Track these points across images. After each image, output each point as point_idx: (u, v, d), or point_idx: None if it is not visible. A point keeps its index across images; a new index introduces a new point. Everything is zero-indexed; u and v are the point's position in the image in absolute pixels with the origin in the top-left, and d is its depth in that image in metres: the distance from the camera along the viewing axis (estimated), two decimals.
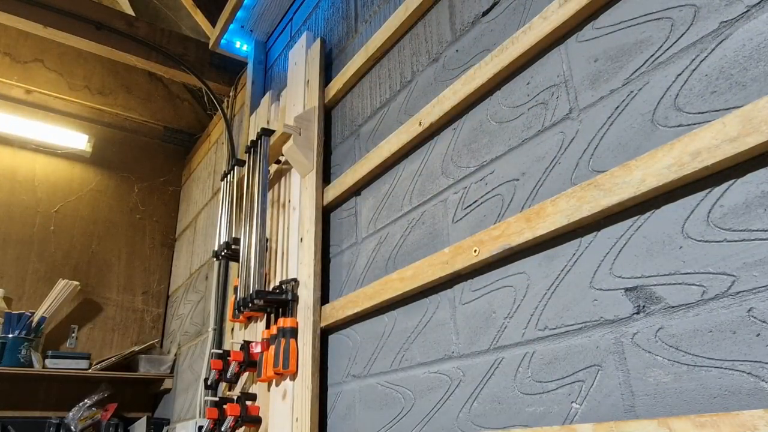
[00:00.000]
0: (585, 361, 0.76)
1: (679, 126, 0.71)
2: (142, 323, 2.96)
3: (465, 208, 1.03)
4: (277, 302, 1.48)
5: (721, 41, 0.68)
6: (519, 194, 0.92)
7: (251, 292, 1.49)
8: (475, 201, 1.01)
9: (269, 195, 1.81)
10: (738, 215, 0.63)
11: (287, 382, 1.40)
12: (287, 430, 1.33)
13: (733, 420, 0.57)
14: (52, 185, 2.90)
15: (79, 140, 2.97)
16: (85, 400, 2.51)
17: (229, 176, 1.94)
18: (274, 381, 1.47)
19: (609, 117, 0.81)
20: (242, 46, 2.44)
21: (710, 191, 0.67)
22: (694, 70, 0.71)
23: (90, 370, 2.54)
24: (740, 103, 0.65)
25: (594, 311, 0.77)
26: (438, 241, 1.09)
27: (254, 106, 2.22)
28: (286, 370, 1.36)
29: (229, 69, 2.67)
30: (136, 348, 2.71)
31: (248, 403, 1.52)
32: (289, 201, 1.66)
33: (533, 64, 0.96)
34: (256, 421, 1.49)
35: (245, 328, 1.76)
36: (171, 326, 2.92)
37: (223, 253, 1.78)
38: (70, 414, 2.45)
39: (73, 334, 2.74)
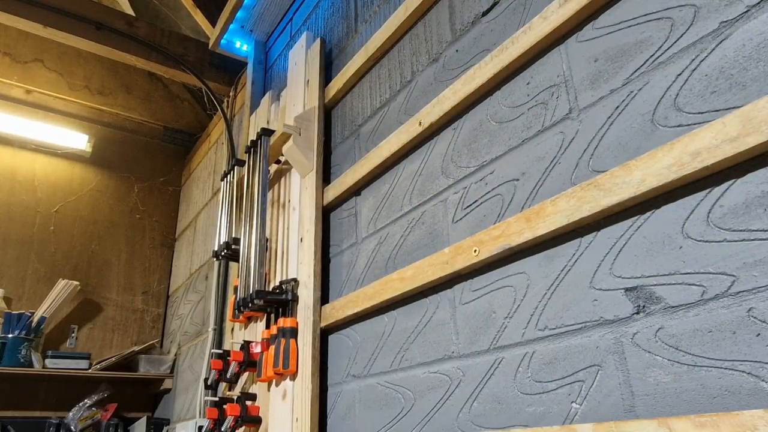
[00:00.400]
0: (585, 361, 0.76)
1: (679, 126, 0.71)
2: (142, 323, 2.96)
3: (465, 208, 1.03)
4: (277, 302, 1.48)
5: (721, 41, 0.68)
6: (519, 194, 0.92)
7: (251, 292, 1.49)
8: (475, 201, 1.02)
9: (269, 195, 1.81)
10: (738, 215, 0.63)
11: (287, 382, 1.40)
12: (287, 430, 1.33)
13: (733, 420, 0.57)
14: (52, 185, 2.90)
15: (79, 140, 2.97)
16: (85, 400, 2.51)
17: (229, 176, 1.94)
18: (274, 381, 1.47)
19: (609, 117, 0.81)
20: (242, 46, 2.44)
21: (710, 191, 0.67)
22: (694, 70, 0.71)
23: (90, 370, 2.54)
24: (740, 103, 0.65)
25: (594, 311, 0.77)
26: (438, 241, 1.09)
27: (254, 106, 2.22)
28: (286, 370, 1.36)
29: (229, 69, 2.67)
30: (136, 348, 2.71)
31: (248, 403, 1.52)
32: (289, 201, 1.66)
33: (533, 64, 0.96)
34: (256, 421, 1.49)
35: (245, 328, 1.76)
36: (171, 326, 2.92)
37: (223, 253, 1.78)
38: (70, 414, 2.45)
39: (73, 334, 2.74)
